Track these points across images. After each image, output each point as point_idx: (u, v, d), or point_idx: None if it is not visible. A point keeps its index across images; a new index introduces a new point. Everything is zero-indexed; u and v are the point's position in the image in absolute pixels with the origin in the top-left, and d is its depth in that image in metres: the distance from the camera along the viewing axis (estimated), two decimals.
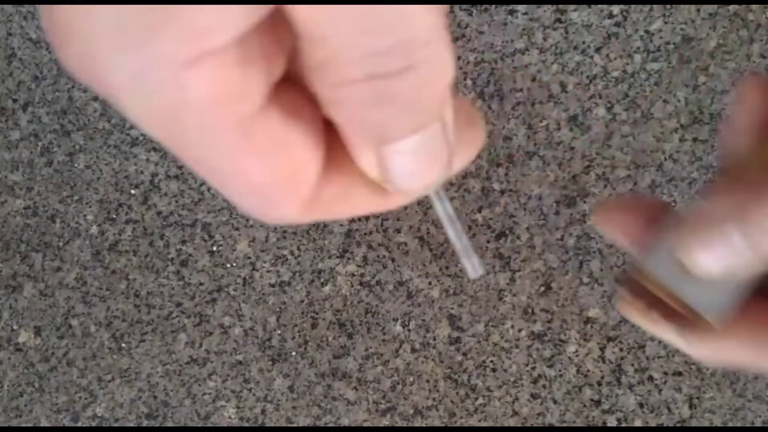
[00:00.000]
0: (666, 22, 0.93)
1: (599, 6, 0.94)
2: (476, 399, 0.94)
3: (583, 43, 0.94)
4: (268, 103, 0.15)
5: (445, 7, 0.15)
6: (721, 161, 0.25)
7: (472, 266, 0.22)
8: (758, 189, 0.21)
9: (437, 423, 0.94)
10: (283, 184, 0.16)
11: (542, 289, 0.93)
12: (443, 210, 0.20)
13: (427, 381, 0.94)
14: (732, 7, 0.91)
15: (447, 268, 0.95)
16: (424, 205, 0.94)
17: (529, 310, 0.93)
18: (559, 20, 0.94)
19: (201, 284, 0.99)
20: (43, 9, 0.14)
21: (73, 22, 0.13)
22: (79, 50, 0.14)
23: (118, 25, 0.13)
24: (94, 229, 1.01)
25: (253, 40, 0.14)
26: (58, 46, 0.14)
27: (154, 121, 0.14)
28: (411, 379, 0.95)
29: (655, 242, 0.24)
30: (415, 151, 0.16)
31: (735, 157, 0.24)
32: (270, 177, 0.16)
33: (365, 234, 0.96)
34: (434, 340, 0.95)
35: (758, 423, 0.90)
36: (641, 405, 0.91)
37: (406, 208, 0.95)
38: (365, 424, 0.95)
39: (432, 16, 0.14)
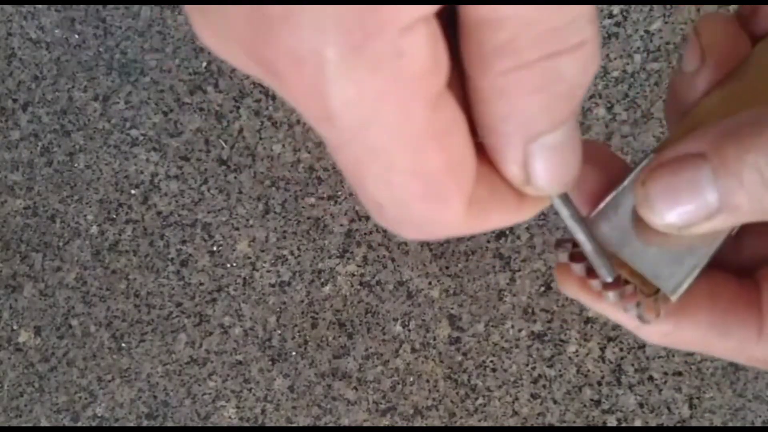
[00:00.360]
0: (666, 22, 0.93)
1: (599, 6, 0.94)
2: (476, 399, 0.94)
3: None
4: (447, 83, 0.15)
5: None
6: (672, 116, 0.23)
7: (606, 270, 0.20)
8: (738, 129, 0.19)
9: (437, 423, 0.94)
10: (454, 172, 0.16)
11: (542, 289, 0.93)
12: (572, 213, 0.19)
13: (427, 381, 0.94)
14: (732, 7, 0.91)
15: (447, 268, 0.95)
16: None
17: (529, 310, 0.93)
18: None
19: (201, 284, 0.99)
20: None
21: (285, 7, 0.13)
22: (283, 32, 0.13)
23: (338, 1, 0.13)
24: (94, 229, 1.01)
25: (434, 20, 0.14)
26: (252, 35, 0.14)
27: (350, 101, 0.14)
28: (411, 379, 0.95)
29: (606, 202, 0.22)
30: (559, 146, 0.16)
31: (689, 106, 0.23)
32: (445, 160, 0.15)
33: (365, 234, 0.96)
34: (434, 340, 0.95)
35: (758, 423, 0.90)
36: (641, 405, 0.91)
37: None
38: (365, 424, 0.95)
39: None
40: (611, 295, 0.21)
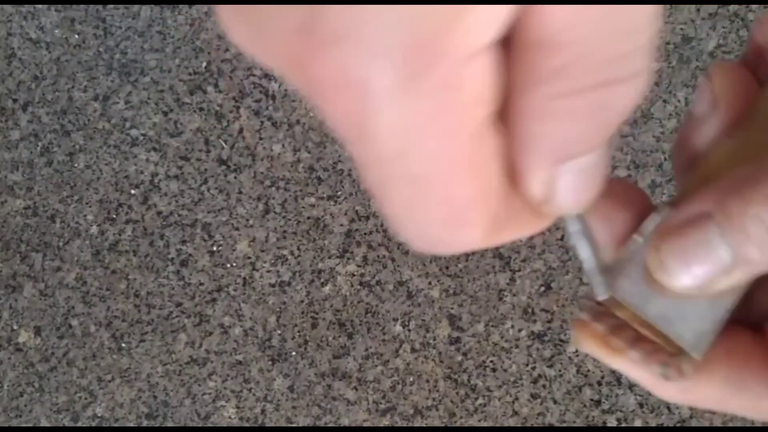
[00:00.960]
0: (666, 22, 0.93)
1: None
2: (476, 399, 0.94)
3: None
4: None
5: None
6: (681, 162, 0.23)
7: (603, 288, 0.20)
8: (741, 184, 0.19)
9: (437, 423, 0.94)
10: (482, 200, 0.16)
11: (542, 289, 0.93)
12: (581, 229, 0.19)
13: (427, 381, 0.94)
14: (732, 7, 0.91)
15: (447, 268, 0.95)
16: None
17: (529, 310, 0.94)
18: None
19: (201, 284, 0.99)
20: (270, 14, 0.13)
21: (342, 23, 0.12)
22: (335, 54, 0.13)
23: (403, 27, 0.12)
24: (94, 229, 1.01)
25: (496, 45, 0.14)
26: (307, 50, 0.13)
27: (394, 128, 0.13)
28: (411, 379, 0.95)
29: (625, 255, 0.21)
30: (586, 169, 0.16)
31: (699, 155, 0.23)
32: (477, 189, 0.15)
33: (365, 234, 0.96)
34: (434, 340, 0.95)
35: (758, 423, 0.90)
36: (641, 405, 0.91)
37: None
38: (365, 424, 0.95)
39: (656, 21, 0.14)
40: (635, 354, 0.21)
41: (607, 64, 0.14)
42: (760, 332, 0.21)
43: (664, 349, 0.20)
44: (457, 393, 0.94)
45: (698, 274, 0.19)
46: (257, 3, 0.13)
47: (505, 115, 0.16)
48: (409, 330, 0.95)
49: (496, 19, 0.13)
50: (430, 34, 0.12)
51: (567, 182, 0.16)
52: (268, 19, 0.13)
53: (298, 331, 0.97)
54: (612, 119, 0.15)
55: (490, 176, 0.15)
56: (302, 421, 0.96)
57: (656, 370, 0.20)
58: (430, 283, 0.95)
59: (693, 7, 0.92)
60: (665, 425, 0.91)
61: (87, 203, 1.02)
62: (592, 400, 0.92)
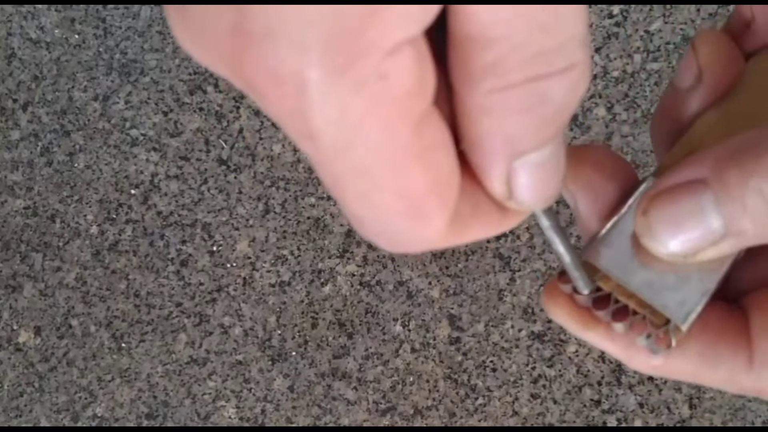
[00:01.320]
0: (666, 22, 0.93)
1: (599, 6, 0.94)
2: (476, 399, 0.94)
3: None
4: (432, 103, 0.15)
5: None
6: (662, 134, 0.23)
7: (584, 282, 0.20)
8: (738, 153, 0.18)
9: (437, 423, 0.94)
10: (437, 191, 0.16)
11: (542, 289, 0.93)
12: (553, 224, 0.19)
13: (427, 381, 0.94)
14: (732, 7, 0.91)
15: (447, 268, 0.95)
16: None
17: (529, 310, 0.94)
18: None
19: (201, 284, 0.99)
20: (208, 12, 0.13)
21: (264, 22, 0.13)
22: (264, 51, 0.13)
23: (323, 21, 0.13)
24: (94, 229, 1.01)
25: (422, 40, 0.14)
26: (239, 47, 0.13)
27: (333, 122, 0.14)
28: (411, 379, 0.95)
29: (608, 228, 0.21)
30: (543, 163, 0.16)
31: (684, 127, 0.22)
32: (429, 180, 0.15)
33: None
34: (434, 340, 0.95)
35: (758, 423, 0.90)
36: (641, 405, 0.91)
37: None
38: (365, 424, 0.95)
39: (587, 15, 0.15)
40: (620, 326, 0.20)
41: (535, 58, 0.14)
42: (736, 307, 0.21)
43: (648, 320, 0.20)
44: (457, 393, 0.94)
45: (686, 241, 0.19)
46: (194, 3, 0.13)
47: (456, 113, 0.16)
48: (409, 330, 0.95)
49: (413, 15, 0.13)
50: (349, 28, 0.13)
51: (524, 178, 0.16)
52: (202, 20, 0.13)
53: (298, 331, 0.97)
54: (552, 113, 0.15)
55: (441, 167, 0.15)
56: (302, 421, 0.96)
57: (641, 341, 0.20)
58: (430, 283, 0.95)
59: (693, 7, 0.92)
60: (665, 425, 0.91)
61: (87, 203, 1.02)
62: (592, 400, 0.92)
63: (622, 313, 0.20)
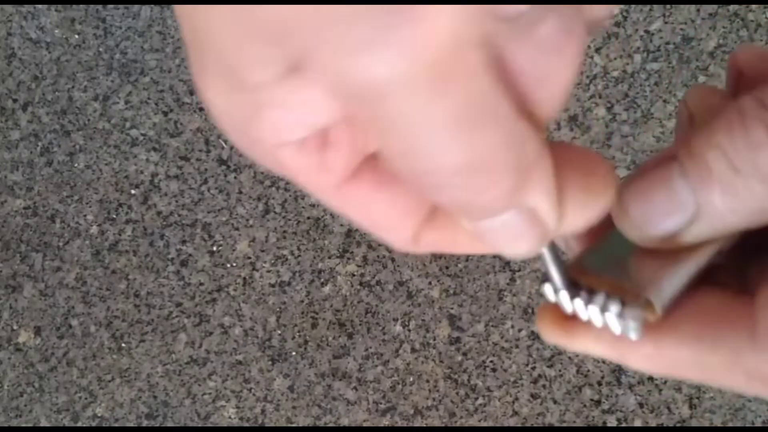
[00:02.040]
0: (666, 22, 0.93)
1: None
2: (476, 399, 0.94)
3: None
4: (357, 173, 0.16)
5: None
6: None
7: (560, 277, 0.19)
8: (704, 126, 0.18)
9: (437, 423, 0.94)
10: (383, 230, 0.17)
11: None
12: (552, 257, 0.19)
13: (427, 381, 0.94)
14: (732, 7, 0.91)
15: (447, 268, 0.95)
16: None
17: (529, 310, 0.93)
18: None
19: (201, 284, 0.99)
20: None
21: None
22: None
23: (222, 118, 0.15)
24: (94, 229, 1.01)
25: (332, 130, 0.16)
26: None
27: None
28: (411, 379, 0.95)
29: (597, 244, 0.21)
30: (503, 228, 0.15)
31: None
32: (369, 224, 0.17)
33: (365, 234, 0.96)
34: (434, 340, 0.95)
35: (758, 423, 0.90)
36: (641, 405, 0.91)
37: None
38: (365, 424, 0.95)
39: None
40: (594, 310, 0.19)
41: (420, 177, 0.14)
42: (738, 293, 0.20)
43: (621, 300, 0.19)
44: (457, 393, 0.94)
45: (657, 216, 0.18)
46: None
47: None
48: (409, 330, 0.95)
49: (293, 125, 0.15)
50: (242, 123, 0.15)
51: (491, 235, 0.16)
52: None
53: (298, 331, 0.97)
54: (472, 209, 0.15)
55: (379, 216, 0.17)
56: (302, 421, 0.96)
57: (614, 324, 0.19)
58: (430, 283, 0.95)
59: (693, 7, 0.92)
60: (665, 425, 0.91)
61: (87, 203, 1.02)
62: (592, 400, 0.92)
63: (594, 296, 0.19)
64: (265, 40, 0.13)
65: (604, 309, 0.19)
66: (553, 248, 0.19)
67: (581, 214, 0.16)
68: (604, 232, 0.21)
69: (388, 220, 0.17)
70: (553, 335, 0.20)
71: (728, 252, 0.20)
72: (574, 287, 0.20)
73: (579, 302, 0.19)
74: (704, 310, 0.19)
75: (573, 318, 0.20)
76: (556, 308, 0.20)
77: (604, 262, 0.20)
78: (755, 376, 0.18)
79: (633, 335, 0.19)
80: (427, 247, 0.18)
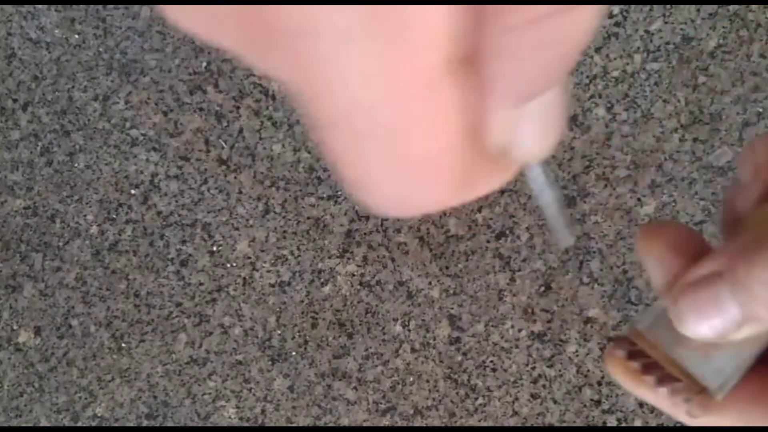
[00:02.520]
0: (666, 22, 0.93)
1: None
2: (476, 399, 0.93)
3: None
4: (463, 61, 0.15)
5: None
6: (726, 222, 0.26)
7: (565, 234, 0.21)
8: (749, 248, 0.21)
9: (437, 423, 0.94)
10: (446, 155, 0.16)
11: (542, 289, 0.93)
12: (543, 177, 0.20)
13: (427, 381, 0.94)
14: (732, 7, 0.91)
15: (447, 268, 0.95)
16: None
17: (529, 310, 0.93)
18: None
19: (201, 284, 0.99)
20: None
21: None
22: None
23: None
24: (94, 229, 1.01)
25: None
26: None
27: (352, 77, 0.14)
28: (411, 379, 0.95)
29: (659, 305, 0.24)
30: (545, 111, 0.17)
31: (741, 217, 0.25)
32: (442, 143, 0.15)
33: (365, 234, 0.96)
34: (434, 340, 0.95)
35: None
36: (641, 405, 0.91)
37: None
38: (365, 424, 0.95)
39: None
40: (663, 391, 0.23)
41: None
42: None
43: (689, 388, 0.23)
44: (457, 393, 0.94)
45: (711, 326, 0.22)
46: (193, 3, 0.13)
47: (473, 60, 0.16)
48: (409, 330, 0.95)
49: None
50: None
51: (528, 126, 0.17)
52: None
53: (298, 331, 0.97)
54: (565, 53, 0.15)
55: (455, 129, 0.15)
56: (302, 421, 0.96)
57: (681, 406, 0.23)
58: (430, 283, 0.95)
59: (693, 7, 0.92)
60: (665, 425, 0.91)
61: (87, 203, 1.02)
62: (592, 400, 0.92)
63: (666, 379, 0.23)
64: None
65: (671, 393, 0.23)
66: (556, 194, 0.20)
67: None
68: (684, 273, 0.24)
69: (457, 139, 0.16)
70: (622, 382, 0.24)
71: None
72: (634, 351, 0.23)
73: (650, 380, 0.23)
74: (744, 393, 0.23)
75: (638, 373, 0.24)
76: (624, 360, 0.24)
77: (658, 331, 0.23)
78: None
79: (694, 419, 0.23)
80: (465, 183, 0.17)
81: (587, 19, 0.15)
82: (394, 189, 0.16)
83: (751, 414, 0.22)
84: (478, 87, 0.16)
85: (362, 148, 0.15)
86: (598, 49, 0.94)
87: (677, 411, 0.23)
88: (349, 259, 0.96)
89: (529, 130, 0.17)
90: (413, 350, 0.95)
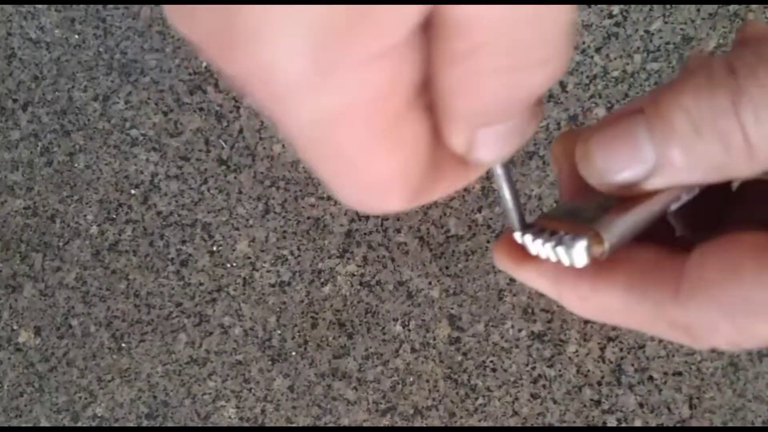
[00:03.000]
0: (666, 22, 0.93)
1: (599, 6, 0.94)
2: (476, 399, 0.93)
3: (583, 43, 0.94)
4: (415, 99, 0.16)
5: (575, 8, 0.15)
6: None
7: (518, 219, 0.21)
8: (677, 81, 0.18)
9: (437, 423, 0.94)
10: (402, 178, 0.17)
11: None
12: (504, 173, 0.20)
13: (427, 381, 0.94)
14: (732, 7, 0.91)
15: (447, 268, 0.95)
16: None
17: (529, 310, 0.93)
18: None
19: (201, 284, 0.99)
20: (200, 11, 0.14)
21: (254, 22, 0.13)
22: (251, 49, 0.13)
23: (311, 23, 0.13)
24: (94, 229, 1.01)
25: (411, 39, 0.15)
26: (224, 45, 0.14)
27: (313, 117, 0.14)
28: (411, 379, 0.95)
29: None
30: (505, 134, 0.17)
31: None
32: (396, 167, 0.16)
33: (365, 234, 0.96)
34: (434, 340, 0.95)
35: (758, 423, 0.90)
36: (641, 405, 0.91)
37: None
38: (365, 424, 0.95)
39: (570, 14, 0.15)
40: (549, 247, 0.20)
41: (513, 49, 0.15)
42: (678, 249, 0.21)
43: (578, 232, 0.20)
44: (457, 393, 0.94)
45: (617, 164, 0.19)
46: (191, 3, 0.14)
47: (428, 84, 0.16)
48: (409, 330, 0.95)
49: (404, 18, 0.13)
50: (338, 30, 0.13)
51: (485, 143, 0.17)
52: (193, 16, 0.14)
53: (298, 331, 0.97)
54: (523, 97, 0.16)
55: (413, 151, 0.16)
56: (302, 421, 0.96)
57: (562, 254, 0.20)
58: (430, 283, 0.95)
59: (693, 7, 0.92)
60: (665, 425, 0.91)
61: (87, 203, 1.02)
62: (592, 400, 0.92)
63: (555, 234, 0.21)
64: None
65: (557, 243, 0.20)
66: (511, 181, 0.20)
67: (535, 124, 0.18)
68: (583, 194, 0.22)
69: (416, 158, 0.17)
70: (504, 264, 0.22)
71: (683, 208, 0.21)
72: (539, 230, 0.21)
73: (536, 239, 0.21)
74: (639, 261, 0.20)
75: (524, 251, 0.22)
76: (513, 242, 0.22)
77: (569, 211, 0.21)
78: (676, 325, 0.19)
79: (578, 262, 0.20)
80: (421, 197, 0.18)
81: (542, 74, 0.15)
82: (353, 197, 0.17)
83: (643, 281, 0.20)
84: (433, 116, 0.17)
85: (318, 166, 0.16)
86: (598, 49, 0.94)
87: (564, 284, 0.21)
88: (349, 259, 0.96)
89: (486, 146, 0.17)
90: (413, 350, 0.95)
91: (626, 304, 0.20)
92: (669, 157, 0.18)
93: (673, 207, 0.20)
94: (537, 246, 0.21)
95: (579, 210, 0.21)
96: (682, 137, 0.18)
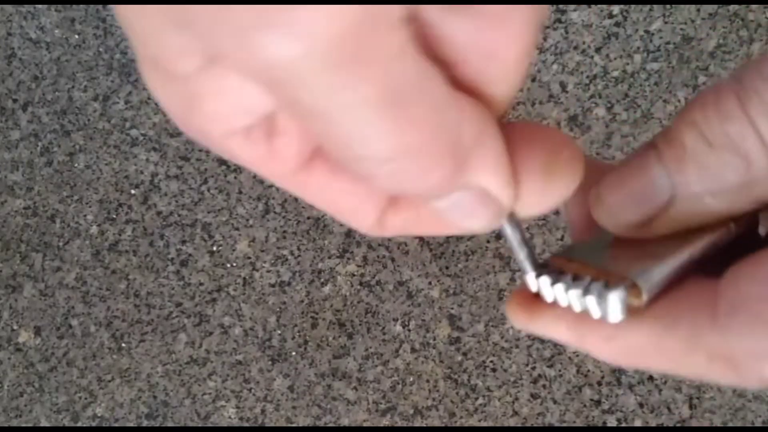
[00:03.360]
0: (666, 22, 0.93)
1: (599, 6, 0.94)
2: (476, 399, 0.93)
3: (583, 43, 0.94)
4: (312, 160, 0.16)
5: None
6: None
7: (529, 262, 0.19)
8: (684, 109, 0.17)
9: (437, 423, 0.94)
10: (346, 215, 0.17)
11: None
12: (513, 235, 0.18)
13: (427, 381, 0.94)
14: (732, 7, 0.91)
15: (447, 268, 0.95)
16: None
17: None
18: (559, 20, 0.94)
19: (201, 284, 0.99)
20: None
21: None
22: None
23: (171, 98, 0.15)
24: (94, 229, 1.01)
25: (279, 118, 0.15)
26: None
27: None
28: (411, 379, 0.95)
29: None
30: (455, 207, 0.16)
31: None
32: (330, 210, 0.17)
33: (365, 234, 0.96)
34: (434, 340, 0.95)
35: (758, 423, 0.90)
36: (641, 405, 0.91)
37: None
38: (365, 424, 0.95)
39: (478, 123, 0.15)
40: (573, 293, 0.18)
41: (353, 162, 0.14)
42: (707, 276, 0.18)
43: (613, 280, 0.18)
44: (457, 393, 0.94)
45: (634, 205, 0.17)
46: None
47: None
48: (409, 330, 0.95)
49: (230, 113, 0.15)
50: (185, 113, 0.15)
51: (443, 212, 0.16)
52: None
53: (298, 331, 0.97)
54: (415, 193, 0.15)
55: (337, 202, 0.18)
56: (302, 421, 0.96)
57: (593, 306, 0.18)
58: (430, 283, 0.95)
59: (693, 7, 0.92)
60: (665, 425, 0.91)
61: (87, 203, 1.02)
62: (592, 400, 0.92)
63: (576, 282, 0.18)
64: (178, 29, 0.13)
65: (586, 292, 0.18)
66: (517, 228, 0.18)
67: (542, 194, 0.16)
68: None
69: (349, 205, 0.17)
70: (517, 317, 0.20)
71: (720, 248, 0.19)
72: (557, 273, 0.19)
73: (555, 283, 0.18)
74: (666, 296, 0.18)
75: (537, 299, 0.19)
76: (526, 292, 0.19)
77: (591, 252, 0.19)
78: (716, 356, 0.17)
79: (613, 316, 0.17)
80: (393, 230, 0.18)
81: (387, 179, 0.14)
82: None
83: (674, 311, 0.17)
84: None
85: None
86: (598, 49, 0.94)
87: (587, 329, 0.18)
88: (349, 259, 0.96)
89: (449, 214, 0.16)
90: (413, 350, 0.95)
91: (657, 338, 0.17)
92: (684, 179, 0.17)
93: (711, 252, 0.18)
94: (557, 291, 0.18)
95: (600, 250, 0.19)
96: (694, 153, 0.16)
